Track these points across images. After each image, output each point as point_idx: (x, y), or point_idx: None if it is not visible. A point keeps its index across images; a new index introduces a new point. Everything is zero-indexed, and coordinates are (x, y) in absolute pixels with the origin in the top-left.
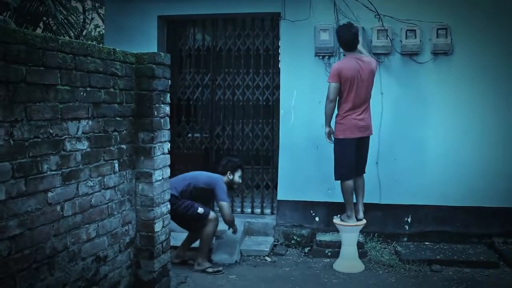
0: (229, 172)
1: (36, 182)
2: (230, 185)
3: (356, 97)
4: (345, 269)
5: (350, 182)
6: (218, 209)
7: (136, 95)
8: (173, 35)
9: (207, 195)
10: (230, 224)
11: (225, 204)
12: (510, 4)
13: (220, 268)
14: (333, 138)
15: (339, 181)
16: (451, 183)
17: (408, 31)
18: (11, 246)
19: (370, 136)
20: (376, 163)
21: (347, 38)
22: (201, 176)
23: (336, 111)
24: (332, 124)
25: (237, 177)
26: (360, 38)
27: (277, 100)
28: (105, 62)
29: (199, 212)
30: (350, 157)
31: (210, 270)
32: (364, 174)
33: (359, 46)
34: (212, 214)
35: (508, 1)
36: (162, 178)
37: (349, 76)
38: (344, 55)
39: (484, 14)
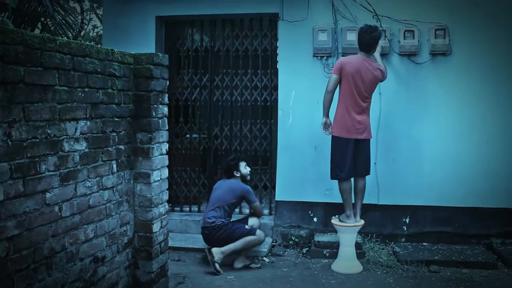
0: (234, 171)
1: (34, 182)
2: (244, 180)
3: (354, 96)
4: (343, 270)
5: (346, 183)
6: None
7: (134, 95)
8: (171, 36)
9: (239, 203)
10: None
11: (258, 204)
12: (509, 4)
13: (260, 267)
14: (330, 130)
15: (337, 182)
16: (450, 184)
17: (406, 32)
18: (9, 247)
19: None
20: (375, 163)
21: (364, 40)
22: (224, 193)
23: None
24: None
25: (243, 169)
26: (378, 47)
27: (275, 101)
28: (103, 62)
29: (247, 228)
30: (345, 157)
31: (217, 266)
32: (366, 176)
33: (376, 54)
34: (259, 233)
35: (507, 1)
36: (160, 178)
37: (350, 72)
38: (342, 55)
39: (483, 15)
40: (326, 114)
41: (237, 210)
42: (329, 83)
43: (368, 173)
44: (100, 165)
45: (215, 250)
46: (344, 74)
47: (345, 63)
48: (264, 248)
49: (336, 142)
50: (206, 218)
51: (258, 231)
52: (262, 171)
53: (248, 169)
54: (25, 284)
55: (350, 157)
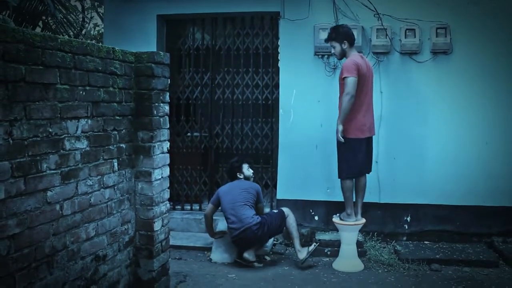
0: (237, 173)
1: (36, 181)
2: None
3: (365, 96)
4: (344, 268)
5: (350, 181)
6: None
7: (135, 94)
8: (172, 34)
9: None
10: None
11: (263, 205)
12: (510, 3)
13: (318, 241)
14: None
15: (338, 180)
16: (451, 182)
17: (407, 30)
18: (10, 245)
19: None
20: (376, 162)
21: (353, 34)
22: (244, 193)
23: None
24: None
25: (246, 171)
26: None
27: (277, 99)
28: (104, 61)
29: (275, 212)
30: (359, 156)
31: (311, 248)
32: (367, 175)
33: None
34: (285, 210)
35: (507, 1)
36: (162, 177)
37: (363, 73)
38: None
39: (484, 13)
40: (343, 120)
41: None
42: (349, 87)
43: (370, 170)
44: (101, 164)
45: (299, 257)
46: (359, 76)
47: (358, 64)
48: (266, 246)
49: (350, 143)
50: (247, 218)
51: (284, 210)
52: (264, 169)
53: (251, 171)
54: (26, 283)
55: (363, 156)
